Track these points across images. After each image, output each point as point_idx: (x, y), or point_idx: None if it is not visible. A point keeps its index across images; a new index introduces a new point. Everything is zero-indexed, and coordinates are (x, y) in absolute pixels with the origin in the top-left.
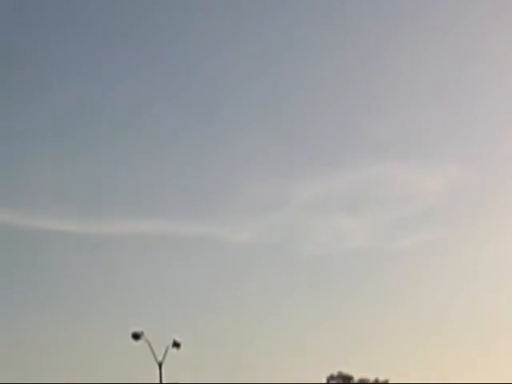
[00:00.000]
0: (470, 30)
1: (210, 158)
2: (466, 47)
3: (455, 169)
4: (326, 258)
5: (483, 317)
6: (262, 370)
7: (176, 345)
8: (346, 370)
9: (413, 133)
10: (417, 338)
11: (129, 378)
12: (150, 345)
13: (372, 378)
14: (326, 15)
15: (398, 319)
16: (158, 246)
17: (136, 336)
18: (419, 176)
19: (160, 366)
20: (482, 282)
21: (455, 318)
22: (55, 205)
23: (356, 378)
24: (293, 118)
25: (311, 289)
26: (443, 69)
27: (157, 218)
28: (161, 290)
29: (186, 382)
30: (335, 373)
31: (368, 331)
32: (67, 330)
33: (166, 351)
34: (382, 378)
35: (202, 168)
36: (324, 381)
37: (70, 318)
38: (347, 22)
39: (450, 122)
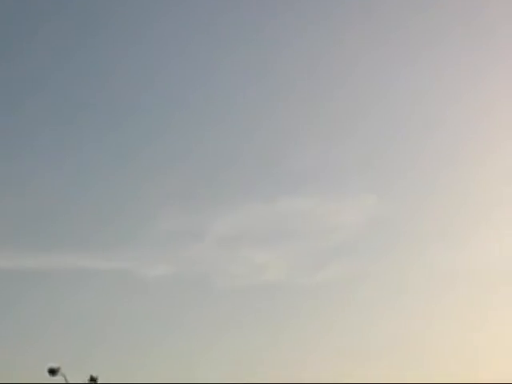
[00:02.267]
0: (389, 62)
1: (126, 191)
2: (380, 78)
3: (371, 201)
4: (244, 292)
5: (403, 348)
6: None
7: (92, 380)
8: None
9: (329, 166)
10: (333, 372)
11: None
12: (66, 380)
13: None
14: (235, 52)
15: (315, 353)
16: (71, 280)
17: (52, 371)
18: (336, 209)
19: None
20: (401, 314)
21: (374, 349)
22: None
23: None
24: (211, 151)
25: (228, 322)
26: (360, 101)
27: (70, 252)
28: (77, 326)
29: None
30: None
31: (283, 365)
32: None
33: None
34: None
35: (118, 200)
36: None
37: None
38: (265, 54)
39: (366, 155)
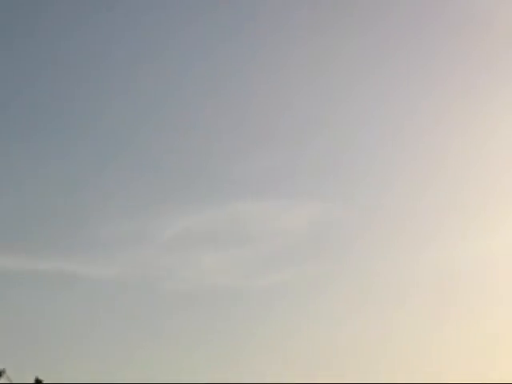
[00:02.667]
0: (346, 71)
1: (72, 192)
2: (336, 87)
3: (316, 207)
4: (189, 295)
5: (344, 354)
6: None
7: (38, 382)
8: None
9: (275, 171)
10: (282, 374)
11: None
12: (11, 381)
13: None
14: (185, 55)
15: (263, 356)
16: (17, 282)
17: None
18: (280, 214)
19: None
20: (342, 319)
21: (315, 356)
22: None
23: None
24: (154, 153)
25: (176, 325)
26: (303, 109)
27: (16, 253)
28: (20, 328)
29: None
30: None
31: (232, 368)
32: None
33: None
34: None
35: (64, 202)
36: None
37: None
38: (221, 57)
39: (311, 161)
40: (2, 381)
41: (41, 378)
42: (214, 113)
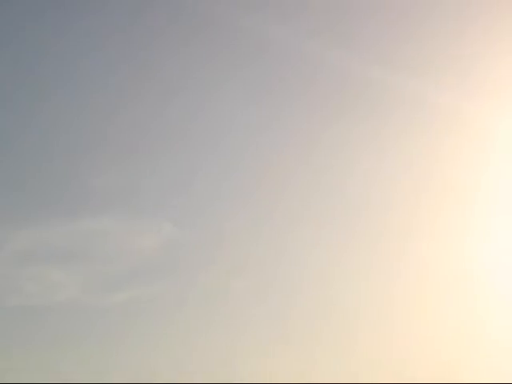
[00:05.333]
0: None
1: None
2: (206, 103)
3: (168, 227)
4: (36, 310)
5: (196, 370)
6: None
7: None
8: None
9: (129, 189)
10: None
11: None
12: None
13: None
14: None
15: (102, 375)
16: None
17: None
18: (133, 232)
19: None
20: (190, 338)
21: (163, 372)
22: None
23: None
24: (9, 159)
25: (17, 341)
26: (166, 127)
27: None
28: None
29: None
30: None
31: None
32: None
33: None
34: None
35: None
36: None
37: None
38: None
39: (168, 180)
40: None
41: None
42: (75, 124)
